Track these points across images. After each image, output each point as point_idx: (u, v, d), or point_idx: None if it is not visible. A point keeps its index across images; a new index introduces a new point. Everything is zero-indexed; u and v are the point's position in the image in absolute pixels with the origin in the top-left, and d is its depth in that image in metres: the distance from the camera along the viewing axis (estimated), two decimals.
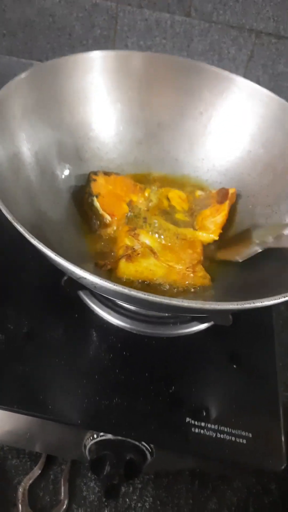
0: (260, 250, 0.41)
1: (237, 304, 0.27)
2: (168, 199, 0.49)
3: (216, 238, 0.46)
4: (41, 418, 0.35)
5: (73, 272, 0.27)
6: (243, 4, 0.63)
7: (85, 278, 0.27)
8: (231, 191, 0.47)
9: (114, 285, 0.26)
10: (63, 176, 0.46)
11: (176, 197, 0.49)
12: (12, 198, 0.33)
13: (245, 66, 0.70)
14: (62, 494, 0.43)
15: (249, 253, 0.41)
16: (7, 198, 0.31)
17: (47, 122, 0.44)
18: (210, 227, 0.45)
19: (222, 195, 0.48)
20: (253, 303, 0.27)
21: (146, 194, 0.48)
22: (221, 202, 0.47)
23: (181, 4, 0.64)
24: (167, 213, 0.47)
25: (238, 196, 0.50)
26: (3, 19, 0.67)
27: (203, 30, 0.67)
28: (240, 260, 0.41)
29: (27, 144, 0.41)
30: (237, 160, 0.51)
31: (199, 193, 0.50)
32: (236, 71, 0.70)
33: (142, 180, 0.51)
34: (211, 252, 0.46)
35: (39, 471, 0.43)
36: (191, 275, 0.41)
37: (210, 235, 0.46)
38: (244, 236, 0.43)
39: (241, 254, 0.42)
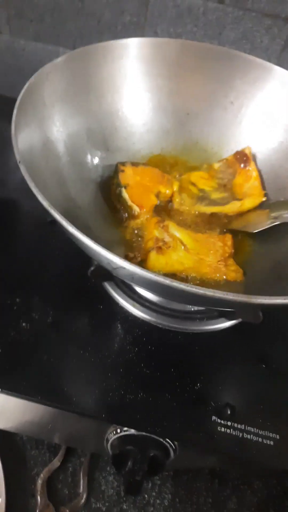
0: (275, 223, 0.40)
1: (274, 299, 0.26)
2: (193, 184, 0.48)
3: (264, 198, 0.45)
4: (65, 410, 0.35)
5: (111, 261, 0.26)
6: None
7: (124, 268, 0.26)
8: (247, 150, 0.47)
9: (155, 275, 0.25)
10: (92, 165, 0.45)
11: (199, 178, 0.48)
12: (43, 184, 0.32)
13: (277, 57, 0.68)
14: (81, 487, 0.42)
15: (264, 225, 0.41)
16: (40, 184, 0.30)
17: (77, 110, 0.43)
18: (252, 192, 0.44)
19: (242, 158, 0.47)
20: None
21: (175, 188, 0.47)
22: (244, 165, 0.46)
23: None
24: (202, 198, 0.46)
25: (269, 188, 0.48)
26: (31, 4, 0.66)
27: (236, 18, 0.64)
28: (253, 231, 0.41)
29: (59, 131, 0.40)
30: (268, 151, 0.50)
31: (216, 165, 0.49)
32: (268, 61, 0.67)
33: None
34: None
35: (59, 463, 0.43)
36: (223, 268, 0.40)
37: (256, 200, 0.45)
38: (261, 209, 0.43)
39: (255, 226, 0.41)
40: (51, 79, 0.39)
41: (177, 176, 0.49)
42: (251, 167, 0.46)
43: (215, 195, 0.46)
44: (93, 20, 0.67)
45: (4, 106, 0.68)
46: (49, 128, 0.40)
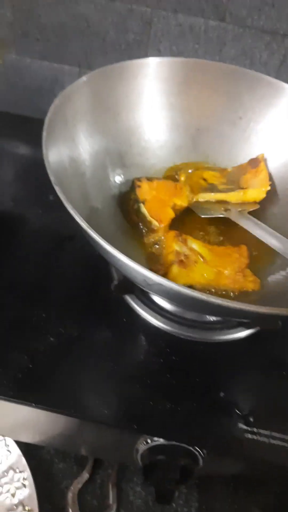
0: (222, 215, 0.45)
1: None
2: (204, 179, 0.50)
3: (269, 188, 0.47)
4: (97, 422, 0.36)
5: (148, 278, 0.28)
6: (278, 10, 0.63)
7: (161, 285, 0.27)
8: (260, 156, 0.49)
9: (193, 291, 0.26)
10: (111, 182, 0.46)
11: (211, 176, 0.50)
12: (72, 202, 0.33)
13: (276, 71, 0.70)
14: (111, 498, 0.43)
15: (211, 213, 0.45)
16: (70, 200, 0.31)
17: (96, 129, 0.45)
18: (259, 184, 0.47)
19: (254, 162, 0.50)
20: None
21: (182, 178, 0.49)
22: (255, 166, 0.49)
23: (216, 9, 0.64)
24: (209, 189, 0.48)
25: (277, 201, 0.50)
26: (38, 24, 0.68)
27: (236, 35, 0.67)
28: (201, 216, 0.45)
29: (80, 149, 0.42)
30: (277, 165, 0.52)
31: (230, 169, 0.51)
32: (268, 75, 0.70)
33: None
34: None
35: (88, 476, 0.44)
36: (241, 279, 0.41)
37: (262, 189, 0.47)
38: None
39: (204, 212, 0.46)
40: (73, 100, 0.41)
41: (189, 171, 0.50)
42: (262, 166, 0.48)
43: (222, 187, 0.48)
44: (98, 39, 0.69)
45: (7, 123, 0.70)
46: (72, 148, 0.41)
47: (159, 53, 0.70)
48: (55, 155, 0.37)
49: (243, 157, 0.53)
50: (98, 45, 0.70)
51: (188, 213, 0.48)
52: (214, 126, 0.53)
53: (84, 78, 0.41)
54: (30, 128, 0.70)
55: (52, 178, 0.32)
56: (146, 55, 0.70)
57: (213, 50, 0.69)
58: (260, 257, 0.45)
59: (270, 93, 0.51)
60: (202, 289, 0.40)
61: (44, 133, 0.35)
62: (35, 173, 0.59)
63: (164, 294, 0.30)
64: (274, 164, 0.51)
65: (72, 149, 0.41)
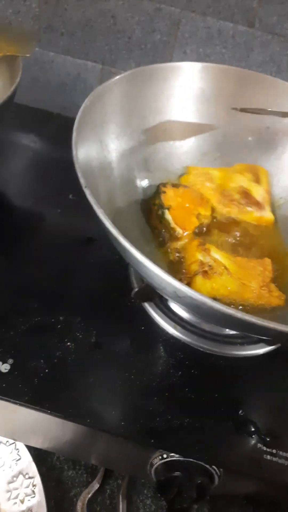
0: None
1: None
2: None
3: None
4: (113, 435, 0.35)
5: (180, 290, 0.27)
6: None
7: (192, 298, 0.26)
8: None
9: (228, 308, 0.25)
10: (135, 185, 0.45)
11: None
12: (98, 201, 0.32)
13: None
14: (121, 510, 0.42)
15: None
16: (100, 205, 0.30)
17: (123, 130, 0.44)
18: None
19: None
20: None
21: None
22: None
23: (246, 14, 0.63)
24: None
25: None
26: (64, 18, 0.66)
27: (264, 42, 0.66)
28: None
29: (108, 151, 0.40)
30: None
31: None
32: None
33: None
34: None
35: (98, 485, 0.43)
36: (266, 294, 0.40)
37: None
38: None
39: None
40: (103, 100, 0.39)
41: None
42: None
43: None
44: (124, 37, 0.68)
45: (27, 116, 0.68)
46: (99, 149, 0.40)
47: (185, 55, 0.68)
48: (82, 156, 0.36)
49: (268, 168, 0.52)
50: (123, 43, 0.68)
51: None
52: (241, 134, 0.52)
53: (115, 78, 0.40)
54: (50, 124, 0.70)
55: (82, 181, 0.31)
56: (171, 56, 0.68)
57: (240, 55, 0.67)
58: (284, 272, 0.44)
59: None
60: (226, 303, 0.39)
61: (74, 133, 0.34)
62: (54, 169, 0.58)
63: (194, 308, 0.29)
64: None
65: (99, 150, 0.40)
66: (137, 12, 0.65)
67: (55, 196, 0.53)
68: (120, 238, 0.28)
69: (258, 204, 0.48)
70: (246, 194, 0.49)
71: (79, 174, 0.31)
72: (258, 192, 0.49)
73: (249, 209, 0.48)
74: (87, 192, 0.30)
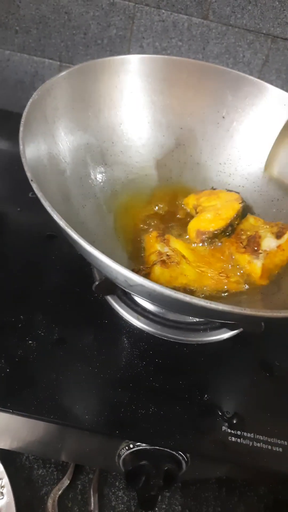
0: None
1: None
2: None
3: None
4: (77, 428, 0.35)
5: (129, 279, 0.27)
6: (261, 9, 0.63)
7: (143, 286, 0.26)
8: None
9: (176, 293, 0.25)
10: (92, 180, 0.45)
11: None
12: (50, 200, 0.32)
13: (259, 71, 0.70)
14: (92, 504, 0.42)
15: None
16: (49, 198, 0.30)
17: (76, 125, 0.44)
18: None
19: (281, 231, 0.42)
20: None
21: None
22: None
23: (200, 6, 0.63)
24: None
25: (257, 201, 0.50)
26: (17, 15, 0.65)
27: (219, 33, 0.66)
28: None
29: (60, 146, 0.40)
30: (259, 164, 0.51)
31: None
32: (250, 75, 0.70)
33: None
34: None
35: (68, 481, 0.43)
36: (225, 280, 0.40)
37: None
38: None
39: None
40: (53, 95, 0.39)
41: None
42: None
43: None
44: (80, 33, 0.67)
45: None
46: (51, 144, 0.39)
47: (142, 49, 0.68)
48: (33, 151, 0.35)
49: (226, 157, 0.53)
50: (79, 40, 0.68)
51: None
52: (197, 125, 0.52)
53: (64, 72, 0.40)
54: (9, 123, 0.69)
55: (28, 175, 0.30)
56: (128, 51, 0.68)
57: (197, 47, 0.68)
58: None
59: (252, 93, 0.50)
60: (184, 290, 0.40)
61: (21, 128, 0.34)
62: (13, 169, 0.57)
63: (146, 295, 0.29)
64: (255, 162, 0.51)
65: (51, 145, 0.40)
66: (92, 7, 0.65)
67: (15, 195, 0.53)
68: (67, 229, 0.28)
69: None
70: None
71: (26, 168, 0.31)
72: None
73: None
74: (34, 186, 0.30)
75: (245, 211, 0.47)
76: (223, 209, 0.46)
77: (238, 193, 0.48)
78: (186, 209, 0.49)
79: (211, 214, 0.46)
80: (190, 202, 0.49)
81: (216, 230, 0.44)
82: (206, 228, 0.44)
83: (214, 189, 0.50)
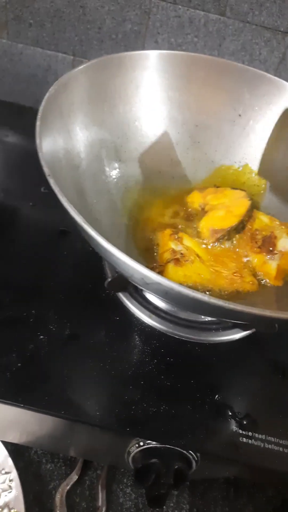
0: None
1: None
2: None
3: None
4: (89, 425, 0.34)
5: (146, 277, 0.26)
6: (280, 6, 0.62)
7: (160, 284, 0.26)
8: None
9: (195, 292, 0.25)
10: (106, 175, 0.44)
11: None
12: (66, 195, 0.32)
13: (275, 69, 0.69)
14: (100, 500, 0.42)
15: None
16: (64, 193, 0.30)
17: (91, 120, 0.43)
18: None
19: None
20: None
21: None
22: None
23: (217, 2, 0.63)
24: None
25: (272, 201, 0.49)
26: (32, 8, 0.65)
27: (236, 30, 0.66)
28: None
29: (75, 141, 0.40)
30: (275, 163, 0.51)
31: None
32: (266, 73, 0.69)
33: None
34: None
35: (76, 477, 0.43)
36: (239, 280, 0.40)
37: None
38: None
39: None
40: (69, 89, 0.39)
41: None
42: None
43: None
44: (94, 27, 0.67)
45: None
46: (66, 139, 0.39)
47: (157, 45, 0.68)
48: (49, 146, 0.35)
49: (242, 156, 0.52)
50: (93, 34, 0.67)
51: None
52: (213, 123, 0.52)
53: (81, 67, 0.40)
54: (21, 117, 0.69)
55: (45, 170, 0.30)
56: (143, 46, 0.68)
57: (212, 44, 0.67)
58: None
59: (271, 91, 0.50)
60: (200, 290, 0.39)
61: (38, 123, 0.33)
62: (26, 163, 0.57)
63: (162, 294, 0.29)
64: (270, 161, 0.50)
65: (66, 140, 0.39)
66: (107, 2, 0.64)
67: (28, 190, 0.52)
68: (84, 226, 0.28)
69: None
70: None
71: (43, 163, 0.31)
72: None
73: None
74: (51, 181, 0.30)
75: (253, 207, 0.46)
76: (233, 206, 0.45)
77: (244, 190, 0.48)
78: (191, 207, 0.49)
79: (223, 212, 0.45)
80: (195, 200, 0.48)
81: (229, 228, 0.44)
82: (221, 226, 0.43)
83: (218, 187, 0.49)
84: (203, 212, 0.47)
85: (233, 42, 0.67)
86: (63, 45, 0.69)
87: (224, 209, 0.45)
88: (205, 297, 0.26)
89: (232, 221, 0.44)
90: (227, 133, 0.52)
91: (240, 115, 0.51)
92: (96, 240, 0.28)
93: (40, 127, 0.34)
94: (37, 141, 0.33)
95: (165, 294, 0.29)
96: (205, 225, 0.45)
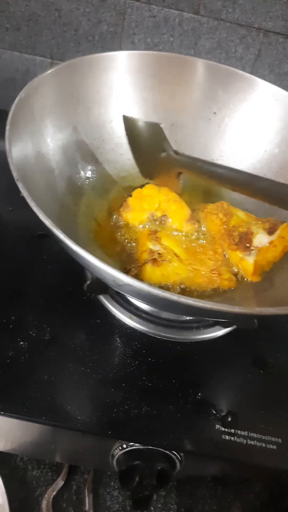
0: None
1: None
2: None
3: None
4: (70, 429, 0.34)
5: (117, 278, 0.26)
6: (252, 3, 0.62)
7: (130, 285, 0.26)
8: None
9: (165, 292, 0.25)
10: (82, 178, 0.44)
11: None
12: (38, 199, 0.31)
13: (251, 65, 0.70)
14: (87, 505, 0.42)
15: None
16: (36, 200, 0.30)
17: (66, 123, 0.43)
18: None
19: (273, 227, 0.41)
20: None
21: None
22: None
23: (191, 1, 0.63)
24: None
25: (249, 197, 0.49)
26: (7, 12, 0.65)
27: (211, 28, 0.66)
28: None
29: (49, 144, 0.40)
30: (251, 160, 0.51)
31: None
32: (242, 70, 0.69)
33: None
34: None
35: (62, 482, 0.42)
36: (217, 278, 0.40)
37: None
38: None
39: None
40: (40, 93, 0.39)
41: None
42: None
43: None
44: (70, 29, 0.67)
45: None
46: (39, 142, 0.39)
47: (133, 45, 0.68)
48: (20, 150, 0.35)
49: (219, 153, 0.52)
50: (70, 36, 0.67)
51: None
52: (189, 121, 0.52)
53: (51, 70, 0.39)
54: (0, 122, 0.68)
55: (14, 174, 0.30)
56: (120, 47, 0.68)
57: (188, 43, 0.67)
58: None
59: (244, 88, 0.50)
60: (177, 289, 0.39)
61: (8, 127, 0.33)
62: (6, 169, 0.57)
63: (135, 294, 0.29)
64: (247, 158, 0.50)
65: (40, 144, 0.39)
66: (82, 4, 0.64)
67: (7, 195, 0.52)
68: (53, 229, 0.27)
69: None
70: None
71: (12, 167, 0.31)
72: None
73: None
74: (19, 185, 0.30)
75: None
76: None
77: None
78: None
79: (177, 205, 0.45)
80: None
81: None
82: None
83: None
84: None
85: (209, 40, 0.67)
86: (40, 48, 0.69)
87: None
88: (174, 296, 0.26)
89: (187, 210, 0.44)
90: (203, 131, 0.52)
91: (215, 113, 0.52)
92: (66, 243, 0.28)
93: (10, 132, 0.34)
94: (7, 145, 0.32)
95: (138, 294, 0.29)
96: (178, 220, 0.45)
